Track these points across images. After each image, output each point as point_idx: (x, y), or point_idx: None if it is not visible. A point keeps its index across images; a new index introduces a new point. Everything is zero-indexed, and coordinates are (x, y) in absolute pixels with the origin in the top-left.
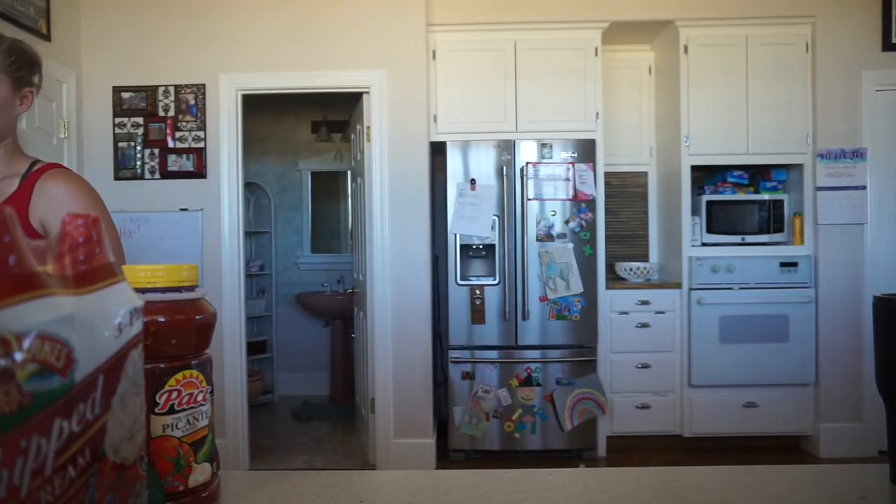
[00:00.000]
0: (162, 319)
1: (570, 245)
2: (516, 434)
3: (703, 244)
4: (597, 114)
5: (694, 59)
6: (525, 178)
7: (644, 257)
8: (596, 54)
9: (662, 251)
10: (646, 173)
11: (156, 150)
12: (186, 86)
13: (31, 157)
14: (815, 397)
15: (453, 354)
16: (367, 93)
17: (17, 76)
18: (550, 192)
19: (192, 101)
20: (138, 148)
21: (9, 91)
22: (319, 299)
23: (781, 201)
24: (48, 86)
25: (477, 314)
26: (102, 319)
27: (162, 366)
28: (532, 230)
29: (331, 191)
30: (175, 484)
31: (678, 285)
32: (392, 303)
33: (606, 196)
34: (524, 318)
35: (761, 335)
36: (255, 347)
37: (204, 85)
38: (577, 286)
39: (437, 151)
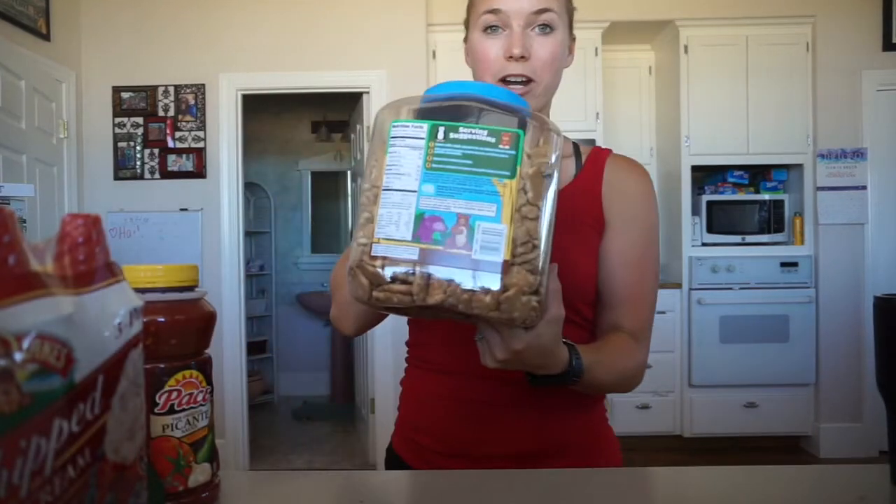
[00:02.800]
0: (162, 319)
1: None
2: None
3: (704, 244)
4: (597, 114)
5: (694, 59)
6: None
7: None
8: (596, 54)
9: (662, 251)
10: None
11: (156, 150)
12: (186, 86)
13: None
14: (815, 397)
15: None
16: (367, 93)
17: (571, 18)
18: None
19: (192, 101)
20: (138, 148)
21: (566, 33)
22: (319, 299)
23: (782, 201)
24: (47, 86)
25: None
26: (102, 319)
27: (162, 366)
28: None
29: (331, 191)
30: (175, 484)
31: (678, 285)
32: None
33: None
34: None
35: (761, 335)
36: (255, 347)
37: (204, 85)
38: None
39: None
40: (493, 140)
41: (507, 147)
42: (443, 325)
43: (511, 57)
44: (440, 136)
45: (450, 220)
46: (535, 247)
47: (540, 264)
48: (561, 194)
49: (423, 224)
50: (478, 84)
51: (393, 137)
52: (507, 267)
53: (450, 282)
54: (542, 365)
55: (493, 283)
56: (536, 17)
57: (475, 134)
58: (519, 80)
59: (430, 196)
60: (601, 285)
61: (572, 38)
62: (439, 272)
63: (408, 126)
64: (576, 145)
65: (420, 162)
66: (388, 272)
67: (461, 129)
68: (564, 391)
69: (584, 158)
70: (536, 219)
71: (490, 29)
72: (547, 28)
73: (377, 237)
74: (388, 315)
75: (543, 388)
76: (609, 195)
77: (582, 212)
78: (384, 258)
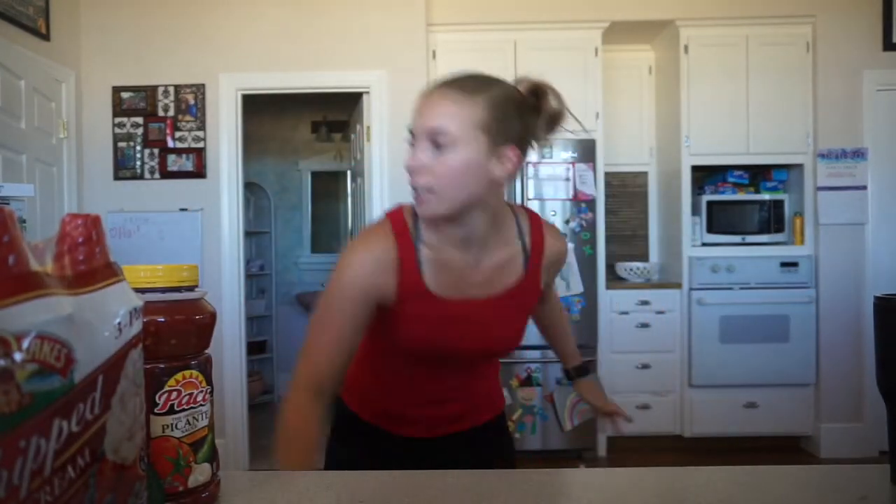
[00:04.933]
0: (162, 319)
1: (571, 245)
2: (516, 434)
3: (704, 244)
4: (597, 114)
5: (694, 58)
6: (525, 178)
7: (644, 257)
8: (596, 54)
9: (662, 251)
10: (646, 173)
11: (155, 150)
12: (186, 86)
13: (518, 210)
14: (815, 397)
15: None
16: (367, 93)
17: (497, 131)
18: (550, 192)
19: (192, 101)
20: (138, 148)
21: (479, 147)
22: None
23: (782, 201)
24: (47, 85)
25: None
26: (102, 319)
27: (162, 366)
28: None
29: (331, 191)
30: (175, 484)
31: (678, 285)
32: None
33: (606, 196)
34: None
35: (762, 335)
36: (255, 347)
37: (204, 85)
38: (577, 286)
39: None
40: None
41: None
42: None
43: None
44: None
45: None
46: None
47: None
48: (515, 290)
49: None
50: None
51: None
52: None
53: None
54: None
55: None
56: (434, 135)
57: None
58: (420, 190)
59: None
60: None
61: (502, 145)
62: None
63: None
64: (515, 216)
65: None
66: None
67: None
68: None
69: (528, 245)
70: None
71: (409, 144)
72: (440, 146)
73: None
74: None
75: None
76: (545, 274)
77: (528, 301)
78: None
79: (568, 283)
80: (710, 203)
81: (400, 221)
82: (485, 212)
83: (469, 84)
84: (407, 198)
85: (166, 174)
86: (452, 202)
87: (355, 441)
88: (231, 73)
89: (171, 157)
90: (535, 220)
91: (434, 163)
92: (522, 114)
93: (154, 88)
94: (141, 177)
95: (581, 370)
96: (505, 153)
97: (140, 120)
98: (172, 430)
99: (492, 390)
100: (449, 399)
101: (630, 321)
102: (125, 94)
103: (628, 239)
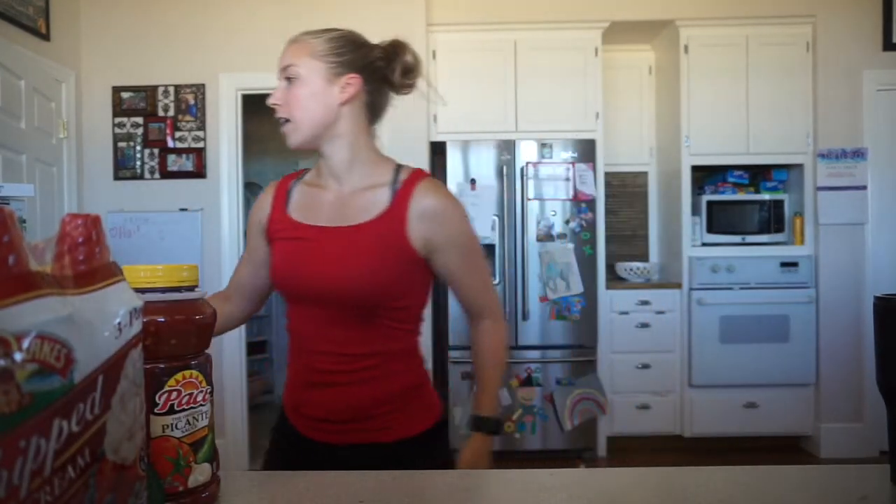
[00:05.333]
0: (162, 319)
1: (570, 245)
2: (516, 434)
3: (704, 244)
4: (597, 114)
5: (694, 58)
6: (525, 178)
7: (644, 257)
8: (596, 54)
9: (662, 251)
10: (646, 173)
11: (155, 150)
12: (186, 86)
13: (389, 159)
14: (815, 397)
15: (453, 354)
16: None
17: (334, 62)
18: (550, 192)
19: (192, 101)
20: (138, 148)
21: (319, 78)
22: None
23: (782, 201)
24: (47, 85)
25: None
26: (102, 319)
27: (162, 366)
28: (532, 230)
29: None
30: (175, 484)
31: (678, 285)
32: None
33: (606, 196)
34: (524, 318)
35: (762, 335)
36: (255, 347)
37: (204, 85)
38: (577, 286)
39: (437, 151)
40: None
41: None
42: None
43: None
44: None
45: None
46: None
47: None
48: (370, 225)
49: None
50: None
51: None
52: None
53: None
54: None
55: None
56: (285, 72)
57: None
58: (281, 120)
59: None
60: (455, 294)
61: (341, 74)
62: None
63: None
64: (398, 169)
65: None
66: None
67: None
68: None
69: (398, 188)
70: None
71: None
72: (290, 80)
73: None
74: None
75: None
76: (416, 224)
77: (387, 244)
78: None
79: (568, 283)
80: (710, 203)
81: (302, 171)
82: (343, 144)
83: (315, 30)
84: None
85: (166, 174)
86: (306, 129)
87: (285, 449)
88: (231, 73)
89: (171, 157)
90: (416, 175)
91: (287, 95)
92: (360, 48)
93: (154, 88)
94: (141, 177)
95: (479, 422)
96: (345, 80)
97: (140, 120)
98: (172, 430)
99: (405, 385)
100: (337, 372)
101: (630, 321)
102: (125, 94)
103: (628, 239)
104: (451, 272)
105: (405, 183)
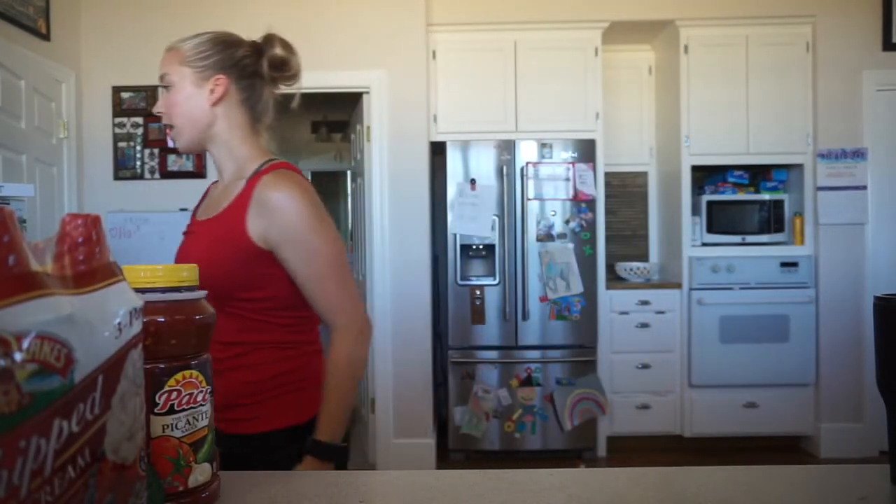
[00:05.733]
0: (162, 319)
1: (570, 245)
2: (516, 434)
3: (704, 244)
4: (597, 114)
5: (694, 58)
6: (525, 178)
7: (644, 257)
8: (596, 54)
9: (662, 251)
10: (646, 173)
11: (155, 150)
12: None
13: (268, 153)
14: (815, 397)
15: (453, 354)
16: (367, 93)
17: (200, 65)
18: (550, 192)
19: None
20: (138, 148)
21: (188, 83)
22: None
23: (782, 201)
24: (47, 86)
25: (477, 314)
26: (102, 319)
27: (162, 366)
28: (532, 230)
29: (331, 191)
30: (175, 484)
31: (678, 285)
32: (392, 303)
33: (606, 196)
34: (524, 318)
35: (761, 335)
36: None
37: None
38: (577, 286)
39: (437, 151)
40: None
41: None
42: None
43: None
44: None
45: None
46: None
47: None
48: (216, 218)
49: None
50: None
51: None
52: None
53: None
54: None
55: None
56: (162, 82)
57: None
58: (167, 127)
59: None
60: (305, 297)
61: (208, 77)
62: None
63: None
64: (266, 163)
65: None
66: None
67: None
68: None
69: (248, 180)
70: None
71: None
72: (167, 88)
73: None
74: None
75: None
76: (254, 217)
77: (223, 237)
78: None
79: (568, 283)
80: (710, 203)
81: None
82: (221, 143)
83: (187, 36)
84: (406, 196)
85: (166, 174)
86: (186, 133)
87: None
88: None
89: (172, 157)
90: (270, 168)
91: (166, 103)
92: (227, 49)
93: (154, 88)
94: (141, 177)
95: (314, 447)
96: (213, 82)
97: (140, 120)
98: (172, 430)
99: (271, 376)
100: (214, 360)
101: (630, 321)
102: (125, 94)
103: (628, 239)
104: (292, 273)
105: (255, 175)
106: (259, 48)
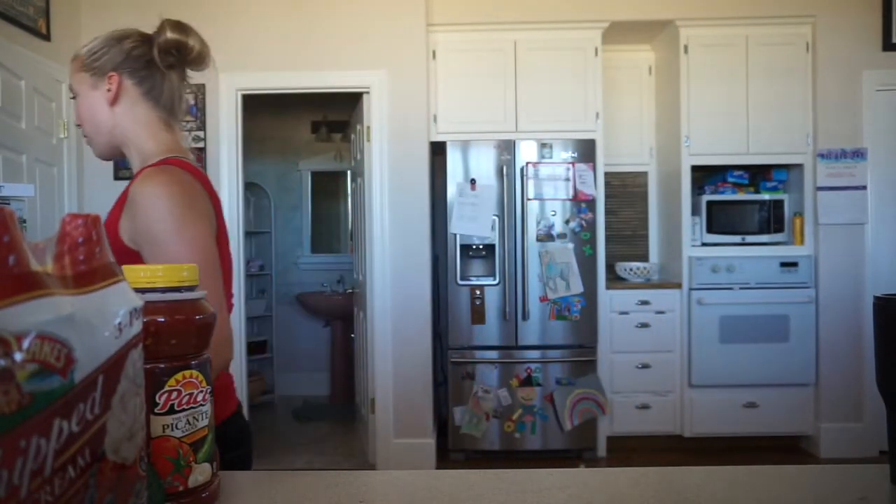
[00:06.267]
0: (162, 319)
1: (570, 245)
2: (516, 434)
3: (704, 244)
4: (597, 114)
5: (694, 59)
6: (525, 178)
7: (644, 257)
8: (596, 54)
9: (662, 251)
10: (646, 173)
11: None
12: (186, 86)
13: (176, 150)
14: (815, 397)
15: (453, 354)
16: (367, 93)
17: (94, 67)
18: (550, 192)
19: (192, 101)
20: None
21: (87, 88)
22: (319, 299)
23: (782, 201)
24: (47, 86)
25: (477, 314)
26: (102, 319)
27: (162, 366)
28: (532, 230)
29: (331, 191)
30: (175, 484)
31: (678, 285)
32: (392, 303)
33: (606, 196)
34: (524, 318)
35: (761, 335)
36: (255, 347)
37: (204, 85)
38: (577, 286)
39: (437, 151)
40: None
41: None
42: None
43: None
44: None
45: None
46: None
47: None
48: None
49: None
50: None
51: None
52: None
53: None
54: None
55: None
56: (70, 92)
57: None
58: (85, 138)
59: None
60: None
61: (103, 77)
62: None
63: None
64: (162, 160)
65: None
66: None
67: None
68: None
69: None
70: None
71: None
72: (75, 98)
73: None
74: None
75: None
76: (125, 216)
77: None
78: None
79: (568, 283)
80: (709, 203)
81: None
82: (128, 143)
83: (84, 43)
84: (407, 196)
85: None
86: (97, 140)
87: None
88: (231, 73)
89: None
90: (158, 162)
91: (77, 113)
92: (115, 45)
93: None
94: None
95: None
96: (106, 82)
97: None
98: (172, 430)
99: None
100: None
101: (630, 321)
102: None
103: (628, 239)
104: None
105: (139, 171)
106: (147, 37)
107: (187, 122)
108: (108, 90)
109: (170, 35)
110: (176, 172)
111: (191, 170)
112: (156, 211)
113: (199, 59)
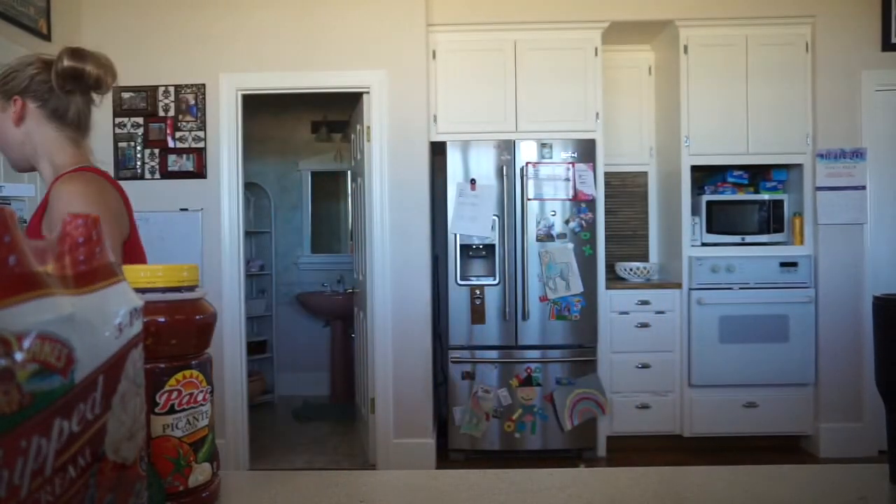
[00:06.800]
0: (162, 319)
1: (570, 245)
2: (516, 434)
3: (703, 244)
4: (597, 114)
5: (694, 59)
6: (525, 178)
7: (644, 257)
8: (596, 54)
9: (662, 251)
10: (646, 173)
11: (156, 150)
12: (186, 86)
13: (87, 161)
14: (815, 397)
15: (453, 354)
16: (367, 93)
17: (3, 91)
18: (550, 192)
19: (192, 101)
20: (138, 148)
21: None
22: (319, 299)
23: (781, 201)
24: None
25: (477, 314)
26: (102, 319)
27: (162, 366)
28: (532, 230)
29: (331, 191)
30: (175, 484)
31: (678, 285)
32: (392, 303)
33: (606, 196)
34: (524, 318)
35: (761, 335)
36: (255, 347)
37: (204, 85)
38: (577, 286)
39: (437, 151)
40: None
41: None
42: None
43: None
44: None
45: None
46: None
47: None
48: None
49: None
50: None
51: None
52: None
53: None
54: None
55: None
56: None
57: None
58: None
59: None
60: None
61: (9, 100)
62: None
63: None
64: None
65: None
66: None
67: None
68: None
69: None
70: None
71: None
72: None
73: None
74: None
75: None
76: (45, 223)
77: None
78: None
79: (568, 283)
80: (709, 203)
81: None
82: (38, 158)
83: None
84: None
85: (166, 174)
86: (11, 157)
87: None
88: (231, 73)
89: (172, 157)
90: (73, 170)
91: None
92: (21, 72)
93: (154, 88)
94: (141, 177)
95: None
96: (11, 104)
97: (140, 120)
98: (173, 429)
99: None
100: None
101: (630, 321)
102: (125, 94)
103: (628, 239)
104: None
105: (51, 183)
106: (47, 63)
107: (187, 122)
108: (14, 112)
109: (66, 63)
110: (90, 177)
111: (103, 176)
112: (72, 209)
113: (98, 84)
